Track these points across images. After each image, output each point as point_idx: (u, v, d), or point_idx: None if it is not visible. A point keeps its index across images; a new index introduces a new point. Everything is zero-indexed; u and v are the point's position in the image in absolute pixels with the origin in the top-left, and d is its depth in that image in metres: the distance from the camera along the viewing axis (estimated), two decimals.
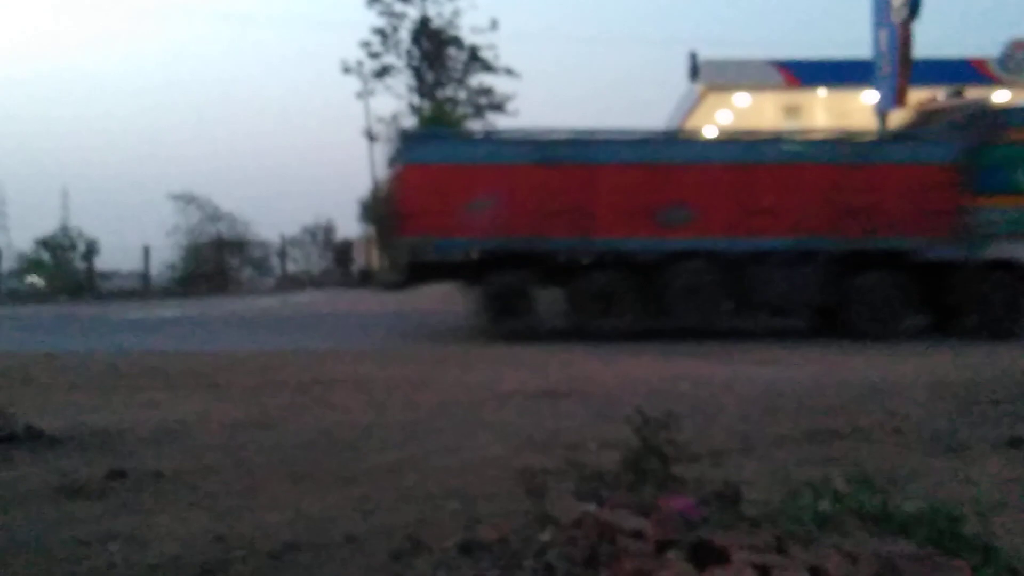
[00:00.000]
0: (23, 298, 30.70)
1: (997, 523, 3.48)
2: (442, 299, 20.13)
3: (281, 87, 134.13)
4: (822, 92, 34.45)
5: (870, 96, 25.38)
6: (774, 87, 34.19)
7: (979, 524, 3.02)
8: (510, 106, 60.32)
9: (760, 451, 5.27)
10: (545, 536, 3.21)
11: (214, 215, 36.80)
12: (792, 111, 35.95)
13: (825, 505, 3.20)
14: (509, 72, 59.11)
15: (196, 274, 35.31)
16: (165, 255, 35.42)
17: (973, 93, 25.69)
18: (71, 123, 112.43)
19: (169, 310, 22.91)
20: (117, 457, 5.28)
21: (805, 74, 33.70)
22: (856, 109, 33.90)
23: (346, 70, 55.50)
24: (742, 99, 35.55)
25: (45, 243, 36.72)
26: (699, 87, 34.88)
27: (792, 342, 12.95)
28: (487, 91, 59.43)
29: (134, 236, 36.92)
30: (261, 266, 39.11)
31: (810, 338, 13.73)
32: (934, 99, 16.90)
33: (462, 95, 59.73)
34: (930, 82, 26.62)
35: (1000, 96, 33.74)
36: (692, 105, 37.59)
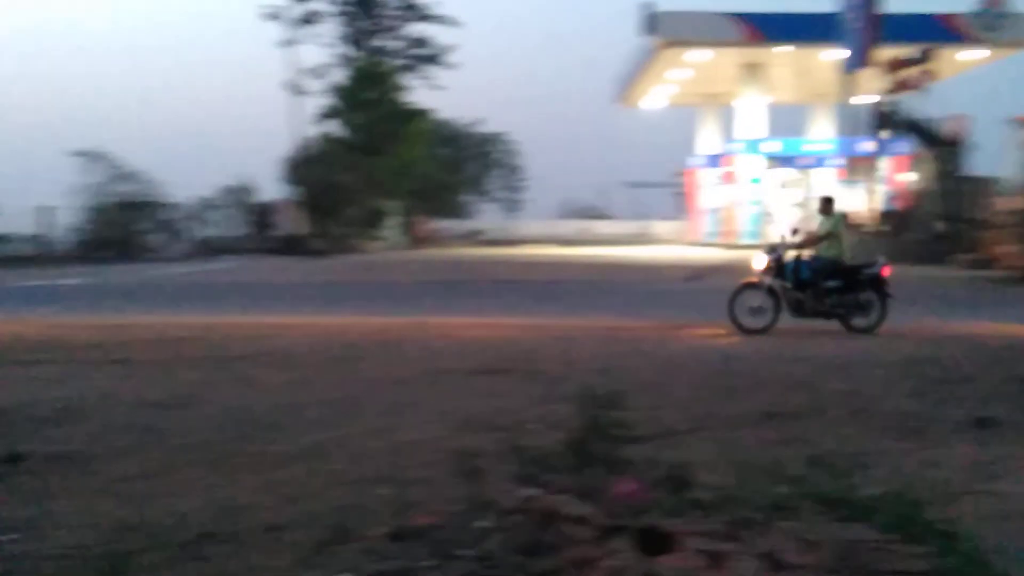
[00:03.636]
0: None
1: (961, 509, 3.57)
2: (363, 269, 20.02)
3: (197, 36, 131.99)
4: (786, 48, 34.70)
5: (834, 54, 25.63)
6: (734, 43, 34.38)
7: (942, 510, 3.09)
8: (449, 58, 59.76)
9: (713, 431, 5.34)
10: (483, 523, 3.22)
11: (122, 174, 36.02)
12: (752, 68, 36.23)
13: (781, 489, 3.25)
14: (449, 21, 58.42)
15: (101, 239, 34.60)
16: (67, 217, 34.69)
17: (940, 52, 26.01)
18: None
19: (71, 277, 22.47)
20: (14, 438, 5.18)
21: (769, 29, 33.91)
22: (819, 67, 34.28)
23: (269, 16, 54.54)
24: (699, 55, 35.72)
25: None
26: (653, 41, 34.96)
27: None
28: (422, 41, 58.69)
29: (33, 197, 35.82)
30: (174, 230, 38.45)
31: None
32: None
33: (396, 45, 58.97)
34: (898, 40, 26.97)
35: (968, 55, 34.30)
36: (645, 61, 37.68)
